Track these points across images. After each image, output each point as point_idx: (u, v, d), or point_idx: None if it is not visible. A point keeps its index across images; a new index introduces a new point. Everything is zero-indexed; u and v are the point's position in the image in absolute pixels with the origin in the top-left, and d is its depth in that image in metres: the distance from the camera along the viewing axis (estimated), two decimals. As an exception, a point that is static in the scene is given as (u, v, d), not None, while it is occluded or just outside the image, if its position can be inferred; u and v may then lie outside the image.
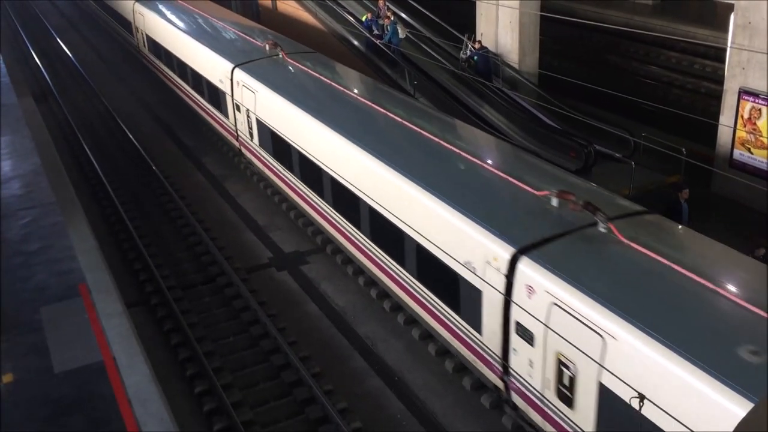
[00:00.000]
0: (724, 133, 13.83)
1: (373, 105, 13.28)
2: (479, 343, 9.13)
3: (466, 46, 18.01)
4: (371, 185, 10.99)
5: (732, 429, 5.82)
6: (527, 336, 8.06)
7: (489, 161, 10.73)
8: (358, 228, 11.57)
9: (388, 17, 19.28)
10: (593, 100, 16.35)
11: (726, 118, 13.65)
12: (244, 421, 9.46)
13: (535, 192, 9.27)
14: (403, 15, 20.12)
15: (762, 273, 7.61)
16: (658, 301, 7.17)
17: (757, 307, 6.81)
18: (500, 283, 8.31)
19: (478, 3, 18.21)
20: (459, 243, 9.10)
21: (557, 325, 7.56)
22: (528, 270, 7.96)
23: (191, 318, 11.69)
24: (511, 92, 17.06)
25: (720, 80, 15.18)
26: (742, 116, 13.35)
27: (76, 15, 36.83)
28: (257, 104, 14.80)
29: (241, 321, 11.78)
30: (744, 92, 13.21)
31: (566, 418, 7.81)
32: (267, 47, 16.79)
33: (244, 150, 16.58)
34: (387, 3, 20.05)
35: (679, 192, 11.52)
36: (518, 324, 8.15)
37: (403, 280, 10.61)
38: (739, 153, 13.61)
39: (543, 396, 8.10)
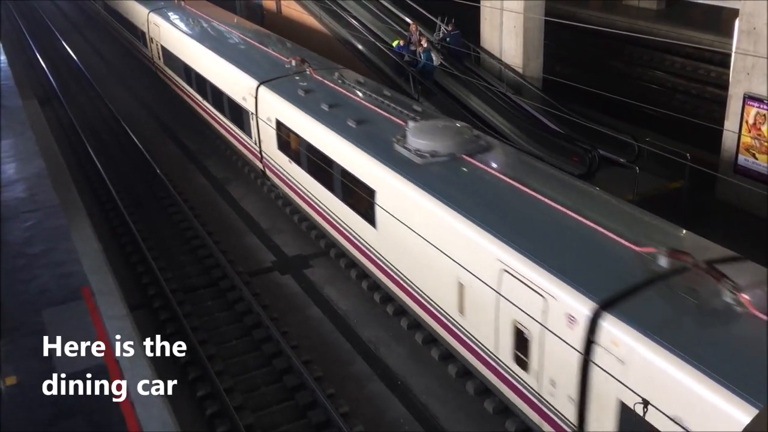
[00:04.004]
0: (728, 139, 13.78)
1: None
2: None
3: (439, 28, 18.30)
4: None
5: None
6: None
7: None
8: None
9: (422, 44, 17.99)
10: (597, 105, 16.32)
11: (731, 124, 13.61)
12: (246, 424, 9.45)
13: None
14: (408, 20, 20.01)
15: None
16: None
17: None
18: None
19: (482, 8, 18.20)
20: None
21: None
22: None
23: (193, 321, 11.68)
24: (514, 96, 17.02)
25: (724, 85, 15.15)
26: (746, 122, 13.32)
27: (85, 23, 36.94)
28: None
29: (243, 325, 11.76)
30: (749, 98, 13.18)
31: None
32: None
33: None
34: (419, 28, 18.86)
35: None
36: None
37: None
38: (743, 159, 13.57)
39: None
